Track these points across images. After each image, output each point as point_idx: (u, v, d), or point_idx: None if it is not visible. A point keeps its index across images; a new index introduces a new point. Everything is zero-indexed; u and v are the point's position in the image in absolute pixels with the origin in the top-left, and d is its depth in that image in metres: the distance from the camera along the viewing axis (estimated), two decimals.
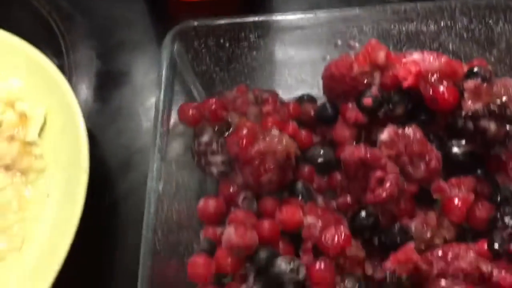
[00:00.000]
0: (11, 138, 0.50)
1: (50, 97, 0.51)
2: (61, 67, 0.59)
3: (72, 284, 0.44)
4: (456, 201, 0.40)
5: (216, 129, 0.44)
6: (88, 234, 0.45)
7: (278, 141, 0.41)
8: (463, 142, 0.41)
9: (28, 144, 0.50)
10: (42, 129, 0.51)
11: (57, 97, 0.50)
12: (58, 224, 0.45)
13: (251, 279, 0.39)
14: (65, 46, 0.61)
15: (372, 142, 0.43)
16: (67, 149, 0.48)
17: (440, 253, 0.37)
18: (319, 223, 0.40)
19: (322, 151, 0.47)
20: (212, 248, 0.41)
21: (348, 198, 0.44)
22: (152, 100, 0.59)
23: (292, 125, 0.46)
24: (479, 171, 0.43)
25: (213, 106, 0.43)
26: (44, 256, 0.45)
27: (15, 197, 0.48)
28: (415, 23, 0.47)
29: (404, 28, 0.47)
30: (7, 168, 0.49)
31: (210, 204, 0.43)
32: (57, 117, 0.51)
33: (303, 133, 0.47)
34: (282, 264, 0.37)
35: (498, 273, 0.36)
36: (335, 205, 0.45)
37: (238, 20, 0.47)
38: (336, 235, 0.37)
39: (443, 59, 0.43)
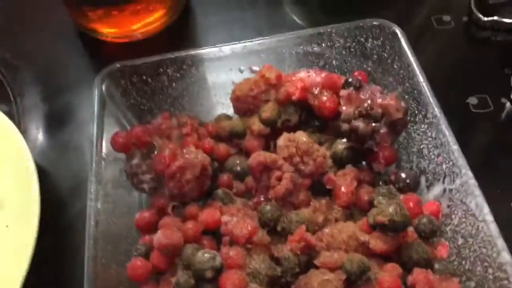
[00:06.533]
0: None
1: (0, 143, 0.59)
2: (11, 113, 0.68)
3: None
4: (342, 188, 0.49)
5: (144, 152, 0.52)
6: (50, 249, 0.52)
7: (194, 156, 0.50)
8: (344, 140, 0.51)
9: None
10: None
11: (6, 141, 0.58)
12: (17, 249, 0.52)
13: (180, 272, 0.46)
14: (13, 94, 0.69)
15: None
16: (20, 186, 0.56)
17: (327, 230, 0.46)
18: (234, 220, 0.48)
19: (237, 161, 0.56)
20: (148, 252, 0.49)
21: (261, 198, 0.53)
22: None
23: (208, 142, 0.54)
24: (364, 163, 0.53)
25: (139, 134, 0.51)
26: (6, 276, 0.52)
27: None
28: (302, 46, 0.56)
29: (294, 52, 0.57)
30: None
31: (145, 216, 0.51)
32: (8, 160, 0.58)
33: (221, 147, 0.56)
34: (202, 255, 0.45)
35: (373, 241, 0.45)
36: (252, 204, 0.53)
37: (156, 58, 0.56)
38: (244, 227, 0.46)
39: (323, 74, 0.53)
